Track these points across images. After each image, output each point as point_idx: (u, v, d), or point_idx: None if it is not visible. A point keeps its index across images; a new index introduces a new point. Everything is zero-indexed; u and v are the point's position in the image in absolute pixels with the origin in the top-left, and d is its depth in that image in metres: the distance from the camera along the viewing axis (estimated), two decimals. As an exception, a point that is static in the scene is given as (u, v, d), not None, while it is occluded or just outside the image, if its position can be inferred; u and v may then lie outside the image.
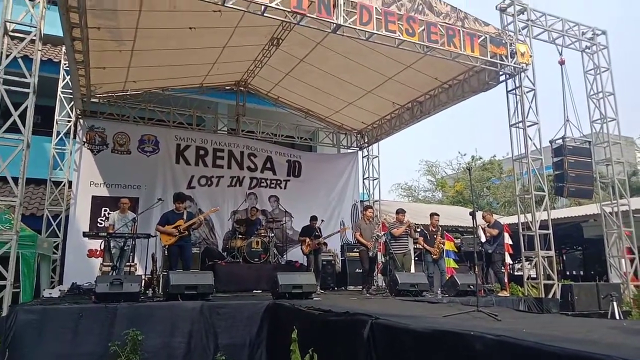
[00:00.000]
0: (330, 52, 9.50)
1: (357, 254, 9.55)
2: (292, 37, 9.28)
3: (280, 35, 9.39)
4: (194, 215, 8.42)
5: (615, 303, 8.21)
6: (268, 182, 12.24)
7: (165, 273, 6.91)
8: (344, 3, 7.07)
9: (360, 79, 10.45)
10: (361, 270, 9.43)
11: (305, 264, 9.65)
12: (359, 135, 13.64)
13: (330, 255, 10.79)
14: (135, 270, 8.17)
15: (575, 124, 9.58)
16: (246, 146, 12.11)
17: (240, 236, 9.80)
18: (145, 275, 7.66)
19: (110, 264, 7.58)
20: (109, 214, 9.21)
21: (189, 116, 11.63)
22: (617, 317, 8.07)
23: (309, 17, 6.87)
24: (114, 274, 7.13)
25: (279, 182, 12.36)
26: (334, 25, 7.09)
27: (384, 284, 9.98)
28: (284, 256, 10.82)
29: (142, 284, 6.58)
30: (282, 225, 10.92)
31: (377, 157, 13.31)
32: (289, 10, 6.65)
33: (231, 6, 6.52)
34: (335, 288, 10.45)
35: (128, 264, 7.84)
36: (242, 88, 12.17)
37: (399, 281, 7.65)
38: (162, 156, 11.07)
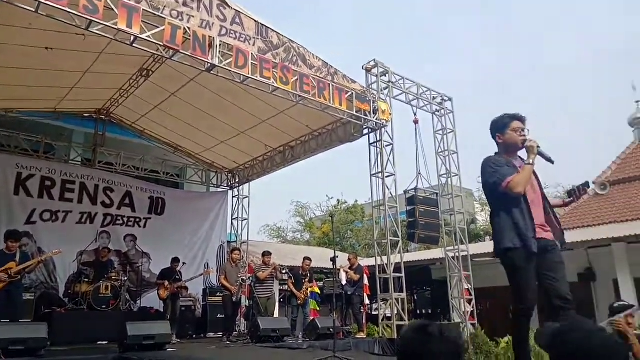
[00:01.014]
0: (204, 89, 9.35)
1: (220, 299, 9.19)
2: (163, 70, 8.94)
3: (151, 67, 9.00)
4: (30, 256, 7.33)
5: (456, 341, 9.11)
6: (125, 219, 11.27)
7: (-14, 326, 5.81)
8: (220, 45, 7.08)
9: (233, 118, 10.43)
10: (223, 316, 9.06)
11: (162, 310, 8.96)
12: (230, 175, 13.46)
13: (190, 300, 10.19)
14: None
15: (425, 177, 10.71)
16: (102, 179, 11.07)
17: (86, 280, 8.75)
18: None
19: None
20: None
21: (37, 142, 10.32)
22: (457, 354, 8.94)
23: (183, 53, 6.71)
24: None
25: (138, 219, 11.46)
26: (209, 64, 7.03)
27: (246, 330, 9.70)
28: (138, 302, 9.92)
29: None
30: (138, 267, 10.08)
31: (247, 197, 13.22)
32: (161, 44, 6.42)
33: (97, 32, 6.07)
34: (194, 336, 9.85)
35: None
36: (103, 117, 11.25)
37: (260, 327, 7.51)
38: (-4, 186, 9.56)
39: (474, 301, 10.88)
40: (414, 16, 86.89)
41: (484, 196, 26.04)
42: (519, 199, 3.00)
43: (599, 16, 74.18)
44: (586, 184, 3.15)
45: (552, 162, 3.07)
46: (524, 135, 3.16)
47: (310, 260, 9.76)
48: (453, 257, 11.07)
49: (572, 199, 3.28)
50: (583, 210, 15.65)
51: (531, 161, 3.02)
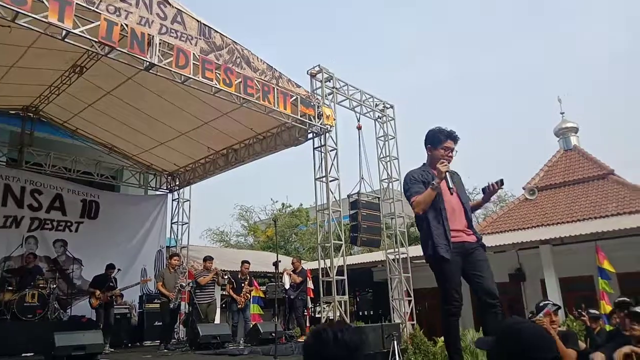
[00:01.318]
0: (142, 88, 9.01)
1: (158, 306, 8.87)
2: (99, 67, 8.52)
3: (85, 64, 8.55)
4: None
5: (395, 342, 9.32)
6: (55, 223, 10.60)
7: None
8: (160, 43, 6.86)
9: (174, 120, 10.13)
10: (161, 323, 8.74)
11: (95, 319, 8.51)
12: (169, 177, 13.04)
13: (126, 308, 9.76)
14: None
15: (368, 182, 10.93)
16: (29, 181, 10.36)
17: (10, 288, 8.15)
18: None
19: None
20: None
21: (-47, 141, 9.50)
22: (397, 355, 9.15)
23: (120, 51, 6.43)
24: None
25: (69, 224, 10.82)
26: (147, 63, 6.78)
27: (185, 337, 9.42)
28: (68, 311, 9.36)
29: None
30: (68, 274, 9.51)
31: (188, 200, 12.86)
32: (95, 40, 6.12)
33: (24, 25, 5.68)
34: (130, 345, 9.43)
35: None
36: (31, 114, 10.55)
37: (200, 333, 7.32)
38: None
39: (413, 302, 11.22)
40: (358, 22, 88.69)
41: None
42: (437, 209, 3.21)
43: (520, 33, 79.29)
44: (500, 182, 3.28)
45: (451, 191, 3.24)
46: (451, 157, 3.34)
47: (249, 263, 9.65)
48: (393, 260, 11.36)
49: (486, 195, 3.42)
50: (514, 215, 16.61)
51: (435, 184, 3.16)
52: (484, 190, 3.36)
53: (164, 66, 6.87)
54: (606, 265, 9.07)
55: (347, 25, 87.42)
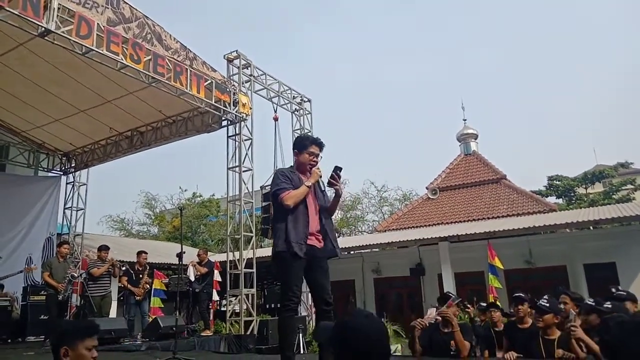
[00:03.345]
0: (36, 57, 8.08)
1: (44, 298, 8.04)
2: (-17, 28, 7.48)
3: (-35, 22, 7.44)
4: None
5: (301, 334, 9.37)
6: None
7: None
8: (59, 8, 6.18)
9: (72, 95, 9.23)
10: (47, 317, 7.94)
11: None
12: (64, 158, 11.92)
13: (6, 300, 8.75)
14: None
15: (282, 174, 10.83)
16: None
17: None
18: None
19: None
20: None
21: None
22: (302, 347, 9.21)
23: (9, 11, 5.69)
24: None
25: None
26: (42, 29, 6.08)
27: (76, 332, 8.65)
28: None
29: None
30: None
31: (84, 184, 11.83)
32: (-21, -4, 5.34)
33: None
34: (9, 340, 8.48)
35: None
36: None
37: (92, 329, 6.73)
38: None
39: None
40: (278, 18, 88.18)
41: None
42: (298, 209, 3.36)
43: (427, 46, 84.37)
44: (338, 168, 3.52)
45: (324, 194, 3.55)
46: (316, 161, 3.54)
47: (146, 253, 9.08)
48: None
49: (330, 185, 3.60)
50: (417, 212, 17.56)
51: (309, 184, 3.40)
52: (328, 183, 3.54)
53: (62, 34, 6.24)
54: (496, 262, 9.87)
55: (266, 22, 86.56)
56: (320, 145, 3.57)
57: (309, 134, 11.78)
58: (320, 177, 3.49)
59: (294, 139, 3.77)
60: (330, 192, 3.65)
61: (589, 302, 3.68)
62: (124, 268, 8.33)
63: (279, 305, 3.39)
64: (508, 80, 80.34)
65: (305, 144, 3.55)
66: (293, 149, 3.62)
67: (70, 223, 11.59)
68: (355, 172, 59.97)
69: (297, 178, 3.47)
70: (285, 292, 3.31)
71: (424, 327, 3.92)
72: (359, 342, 1.39)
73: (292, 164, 3.67)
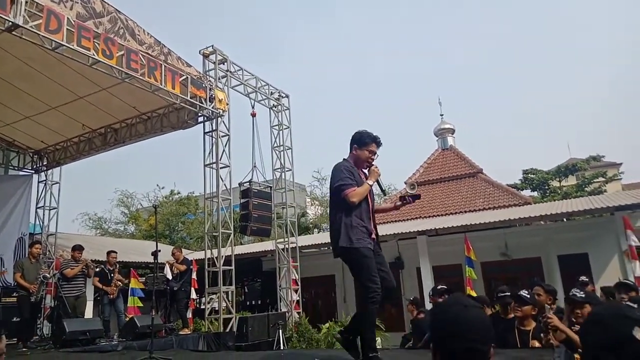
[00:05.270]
0: (4, 53, 7.79)
1: (15, 299, 7.84)
2: (-54, 22, 7.20)
3: None
4: None
5: (280, 330, 9.37)
6: None
7: None
8: (27, 2, 6.00)
9: (43, 91, 8.97)
10: (19, 319, 7.75)
11: None
12: (35, 156, 11.60)
13: (-24, 303, 8.51)
14: None
15: (260, 170, 10.77)
16: None
17: None
18: None
19: None
20: None
21: None
22: (282, 343, 9.22)
23: (-27, 4, 5.49)
24: None
25: None
26: (9, 23, 5.89)
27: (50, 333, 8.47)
28: None
29: None
30: None
31: (57, 183, 11.55)
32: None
33: None
34: (-21, 344, 8.22)
35: None
36: None
37: (66, 329, 6.61)
38: None
39: (299, 290, 11.38)
40: (255, 17, 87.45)
41: (315, 191, 27.15)
42: (361, 205, 3.44)
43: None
44: (417, 196, 3.83)
45: (384, 194, 3.83)
46: (373, 159, 3.64)
47: (116, 252, 8.95)
48: (283, 249, 11.39)
49: (401, 203, 3.81)
50: (396, 207, 17.66)
51: (371, 183, 3.52)
52: (401, 198, 3.75)
53: (30, 28, 6.04)
54: (472, 254, 10.02)
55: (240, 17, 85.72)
56: (380, 144, 3.65)
57: (288, 129, 11.73)
58: (379, 175, 3.58)
59: (354, 134, 3.66)
60: (375, 190, 3.69)
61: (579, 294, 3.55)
62: (97, 269, 8.18)
63: (366, 297, 3.32)
64: (484, 75, 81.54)
65: (367, 142, 3.59)
66: (352, 144, 3.65)
67: (43, 222, 11.31)
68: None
69: (357, 174, 3.55)
70: (368, 286, 3.29)
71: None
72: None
73: (347, 158, 3.67)
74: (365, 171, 3.65)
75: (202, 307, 15.04)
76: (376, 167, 3.59)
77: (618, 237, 10.40)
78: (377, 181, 3.57)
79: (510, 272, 12.33)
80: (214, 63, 9.54)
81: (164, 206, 25.83)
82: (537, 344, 3.57)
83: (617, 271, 10.18)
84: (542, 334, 3.48)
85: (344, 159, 3.66)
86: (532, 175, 26.07)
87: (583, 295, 3.47)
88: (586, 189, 24.46)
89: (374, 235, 3.51)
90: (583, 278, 4.64)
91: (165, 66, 7.95)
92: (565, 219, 12.05)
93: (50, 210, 11.39)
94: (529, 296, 3.75)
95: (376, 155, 3.64)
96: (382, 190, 3.71)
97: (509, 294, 4.79)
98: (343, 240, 3.36)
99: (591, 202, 12.47)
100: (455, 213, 15.41)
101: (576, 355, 3.36)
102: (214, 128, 9.37)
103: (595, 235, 11.41)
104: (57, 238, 11.35)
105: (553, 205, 14.40)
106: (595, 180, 25.27)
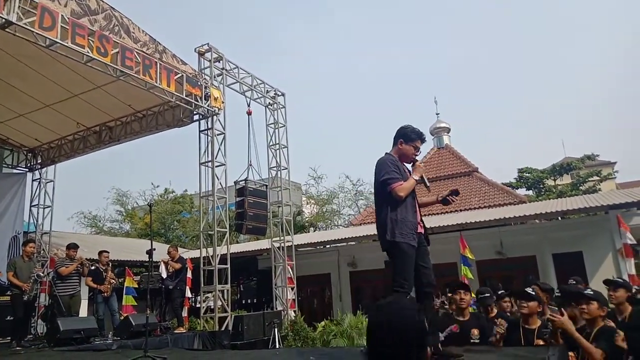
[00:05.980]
0: (-2, 50, 7.76)
1: (9, 298, 7.79)
2: (-62, 19, 7.14)
3: None
4: None
5: (276, 329, 9.36)
6: None
7: None
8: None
9: (37, 89, 8.91)
10: (12, 318, 7.71)
11: None
12: (30, 154, 11.53)
13: (-31, 302, 8.44)
14: None
15: (256, 169, 10.75)
16: None
17: None
18: None
19: None
20: None
21: None
22: (277, 341, 9.21)
23: (-34, 1, 5.44)
24: None
25: None
26: (3, 20, 5.85)
27: (45, 332, 8.43)
28: None
29: None
30: None
31: (52, 181, 11.48)
32: None
33: None
34: (-27, 343, 8.18)
35: None
36: None
37: (60, 328, 6.60)
38: None
39: (295, 289, 11.37)
40: (252, 17, 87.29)
41: (311, 189, 27.10)
42: (407, 200, 3.46)
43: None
44: (456, 192, 3.82)
45: (429, 190, 3.76)
46: (416, 155, 3.69)
47: (108, 252, 8.91)
48: (279, 247, 11.38)
49: (442, 202, 3.86)
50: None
51: (417, 177, 3.56)
52: (444, 200, 3.79)
53: (24, 26, 6.01)
54: (467, 253, 10.05)
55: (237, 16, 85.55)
56: (423, 141, 3.70)
57: (283, 128, 11.70)
58: (425, 171, 3.65)
59: (399, 128, 3.68)
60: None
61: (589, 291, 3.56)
62: (92, 267, 8.15)
63: (394, 288, 3.31)
64: (480, 74, 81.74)
65: (413, 138, 3.61)
66: (397, 138, 3.65)
67: (37, 221, 11.25)
68: (331, 167, 60.16)
69: (403, 168, 3.58)
70: (399, 280, 3.30)
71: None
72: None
73: (390, 152, 3.68)
74: (408, 166, 3.68)
75: (198, 305, 15.03)
76: (421, 163, 3.66)
77: (612, 236, 10.46)
78: (422, 176, 3.60)
79: (505, 271, 12.37)
80: (210, 61, 9.51)
81: (159, 204, 25.74)
82: (541, 344, 3.53)
83: (612, 269, 10.23)
84: (546, 336, 3.47)
85: (386, 153, 3.67)
86: (527, 174, 26.16)
87: (591, 293, 3.46)
88: (581, 187, 24.58)
89: (420, 229, 3.53)
90: (573, 281, 4.70)
91: (160, 64, 7.91)
92: (560, 218, 12.10)
93: (44, 208, 11.33)
94: (534, 292, 3.74)
95: (419, 151, 3.69)
96: (427, 186, 3.72)
97: (488, 295, 4.85)
98: (389, 234, 3.39)
99: (586, 200, 12.52)
100: (451, 212, 15.44)
101: (571, 354, 3.36)
102: (210, 126, 9.35)
103: (590, 234, 11.46)
104: (51, 236, 11.30)
105: (548, 203, 14.45)
106: (589, 179, 25.39)
